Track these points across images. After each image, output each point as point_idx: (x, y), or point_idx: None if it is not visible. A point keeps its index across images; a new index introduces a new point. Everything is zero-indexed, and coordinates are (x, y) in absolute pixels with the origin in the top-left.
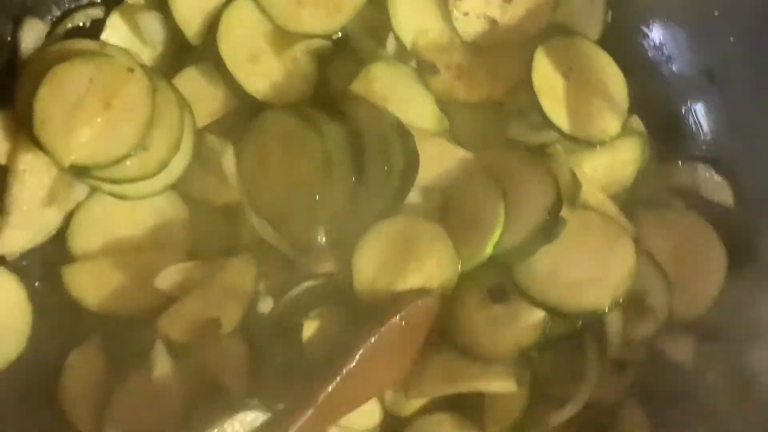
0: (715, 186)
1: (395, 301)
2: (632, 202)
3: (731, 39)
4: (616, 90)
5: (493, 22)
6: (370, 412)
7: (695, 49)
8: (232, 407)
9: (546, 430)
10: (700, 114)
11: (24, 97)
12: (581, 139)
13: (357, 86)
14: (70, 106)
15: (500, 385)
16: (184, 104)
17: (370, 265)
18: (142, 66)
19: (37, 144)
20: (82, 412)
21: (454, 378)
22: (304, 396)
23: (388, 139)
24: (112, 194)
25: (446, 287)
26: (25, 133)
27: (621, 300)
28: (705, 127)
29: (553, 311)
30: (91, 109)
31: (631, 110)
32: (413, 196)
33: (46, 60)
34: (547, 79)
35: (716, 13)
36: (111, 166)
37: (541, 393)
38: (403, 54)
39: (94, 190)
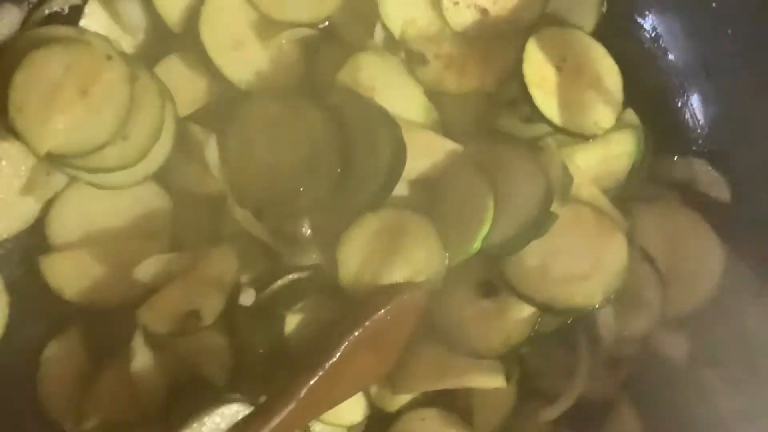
0: (711, 180)
1: (381, 294)
2: (626, 196)
3: (728, 31)
4: (611, 82)
5: (483, 12)
6: (356, 407)
7: (692, 40)
8: (213, 400)
9: (537, 426)
10: (696, 107)
11: None
12: (573, 132)
13: (344, 76)
14: (46, 93)
15: (489, 381)
16: (165, 93)
17: (356, 257)
18: (122, 53)
19: (12, 132)
20: (60, 403)
21: (442, 373)
22: (286, 389)
23: (374, 131)
24: (91, 184)
25: (434, 281)
26: (1, 121)
27: (613, 296)
28: (701, 120)
29: (543, 307)
30: (67, 97)
31: (626, 103)
32: (400, 189)
33: (22, 47)
34: (539, 70)
35: (713, 4)
36: (89, 155)
37: (532, 389)
38: (392, 43)
39: (73, 179)
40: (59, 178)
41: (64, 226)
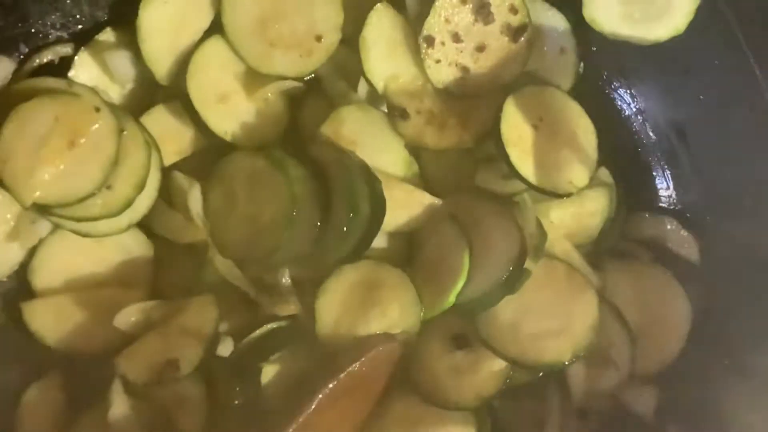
0: (682, 240)
1: (357, 346)
2: (598, 253)
3: (701, 96)
4: (586, 141)
5: (464, 70)
6: None
7: (666, 104)
8: None
9: None
10: (668, 168)
11: None
12: (548, 191)
13: (326, 129)
14: (34, 144)
15: None
16: (150, 143)
17: (333, 308)
18: (110, 105)
19: None
20: None
21: (415, 424)
22: None
23: (354, 184)
24: (76, 232)
25: (409, 333)
26: None
27: (583, 353)
28: (673, 181)
29: (514, 362)
30: (55, 148)
31: (600, 162)
32: (379, 241)
33: (11, 98)
34: (516, 129)
35: (687, 71)
36: (74, 205)
37: None
38: (375, 98)
39: (57, 226)
40: (44, 225)
41: (47, 272)
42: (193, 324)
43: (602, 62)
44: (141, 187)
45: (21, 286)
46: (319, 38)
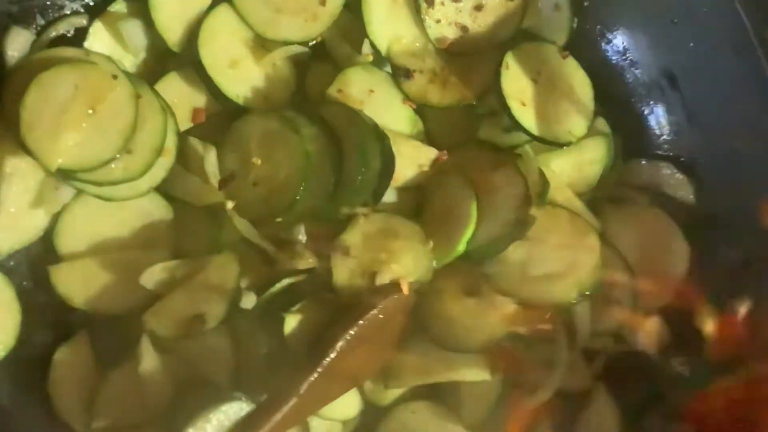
0: (677, 183)
1: (373, 295)
2: (598, 199)
3: (690, 44)
4: (583, 93)
5: (464, 29)
6: (350, 402)
7: (657, 53)
8: (217, 399)
9: (519, 415)
10: (661, 115)
11: (10, 103)
12: (549, 141)
13: (334, 90)
14: (55, 111)
15: (475, 374)
16: (166, 109)
17: (348, 261)
18: (125, 72)
19: (24, 148)
20: (72, 406)
21: (431, 369)
22: (286, 387)
23: (365, 141)
24: (98, 196)
25: (422, 282)
26: (11, 138)
27: (588, 292)
28: (666, 127)
29: (523, 303)
30: (76, 115)
31: (597, 112)
32: (390, 195)
33: (31, 68)
34: (516, 83)
35: (675, 20)
36: (96, 170)
37: (515, 381)
38: (378, 59)
39: (79, 192)
40: (67, 191)
41: (72, 237)
42: (216, 280)
43: (595, 16)
44: (159, 151)
45: (47, 250)
46: (323, 3)
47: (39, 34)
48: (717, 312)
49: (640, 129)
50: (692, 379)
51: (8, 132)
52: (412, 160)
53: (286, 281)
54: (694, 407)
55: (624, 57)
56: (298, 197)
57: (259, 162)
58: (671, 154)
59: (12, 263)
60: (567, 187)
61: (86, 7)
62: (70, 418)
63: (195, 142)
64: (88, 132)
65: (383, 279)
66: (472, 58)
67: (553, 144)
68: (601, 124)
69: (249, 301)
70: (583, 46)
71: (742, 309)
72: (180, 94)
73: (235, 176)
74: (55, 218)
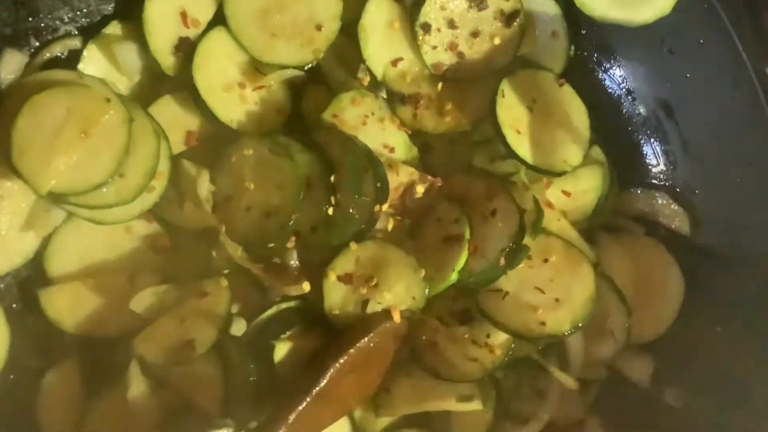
0: (673, 213)
1: (364, 323)
2: (593, 228)
3: (687, 75)
4: (579, 122)
5: (460, 55)
6: (340, 430)
7: (653, 83)
8: (205, 426)
9: None
10: (657, 144)
11: (2, 126)
12: (544, 170)
13: (328, 115)
14: (48, 135)
15: (466, 404)
16: (159, 132)
17: (340, 287)
18: (119, 95)
19: (15, 172)
20: (59, 429)
21: (422, 397)
22: (276, 415)
23: (358, 167)
24: (89, 219)
25: (414, 310)
26: (3, 161)
27: (581, 324)
28: (663, 157)
29: (516, 334)
30: (68, 138)
31: (593, 141)
32: (383, 222)
33: (24, 90)
34: (511, 110)
35: (672, 50)
36: (88, 193)
37: (507, 411)
38: (374, 84)
39: (71, 215)
40: (58, 214)
41: (62, 260)
42: (207, 306)
43: (592, 45)
44: (152, 174)
45: (37, 273)
46: (319, 27)
47: (32, 56)
48: None
49: (635, 158)
50: (685, 411)
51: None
52: (406, 186)
53: (276, 308)
54: None
55: (621, 86)
56: (291, 222)
57: (252, 186)
58: (667, 184)
59: (1, 286)
60: (561, 216)
61: (80, 29)
62: None
63: (188, 166)
64: (80, 155)
65: (375, 307)
66: (468, 84)
67: (548, 173)
68: (597, 153)
69: (239, 327)
70: (580, 75)
71: None
72: (173, 118)
73: (229, 200)
74: (46, 241)
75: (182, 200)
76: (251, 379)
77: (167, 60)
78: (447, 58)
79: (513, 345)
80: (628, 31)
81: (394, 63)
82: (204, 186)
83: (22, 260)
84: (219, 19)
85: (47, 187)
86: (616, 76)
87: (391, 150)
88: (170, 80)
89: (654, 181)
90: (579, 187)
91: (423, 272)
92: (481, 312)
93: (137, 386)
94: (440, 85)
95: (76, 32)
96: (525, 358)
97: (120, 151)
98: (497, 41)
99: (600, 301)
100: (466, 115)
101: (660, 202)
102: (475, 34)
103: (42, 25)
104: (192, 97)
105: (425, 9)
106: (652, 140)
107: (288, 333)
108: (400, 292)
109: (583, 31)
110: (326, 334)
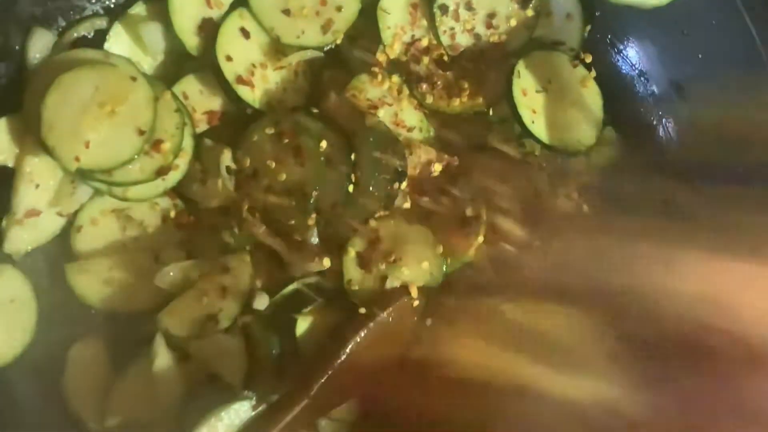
0: (683, 193)
1: (383, 298)
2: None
3: (699, 56)
4: (592, 102)
5: (477, 37)
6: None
7: (666, 65)
8: (228, 398)
9: None
10: (669, 124)
11: (32, 103)
12: (559, 149)
13: (347, 95)
14: (76, 112)
15: None
16: (183, 111)
17: (360, 264)
18: (144, 74)
19: (44, 148)
20: (85, 403)
21: None
22: (298, 387)
23: (377, 146)
24: (115, 196)
25: (431, 286)
26: (32, 137)
27: None
28: (674, 137)
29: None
30: (96, 116)
31: (606, 121)
32: (401, 200)
33: (52, 68)
34: (526, 91)
35: (685, 31)
36: (115, 170)
37: None
38: (392, 65)
39: (97, 191)
40: (84, 190)
41: (89, 236)
42: (230, 281)
43: (606, 26)
44: (176, 152)
45: (64, 249)
46: (339, 9)
47: (60, 35)
48: None
49: (648, 138)
50: None
51: (29, 132)
52: (425, 165)
53: (298, 282)
54: None
55: (634, 67)
56: (311, 200)
57: (273, 165)
58: (679, 164)
59: (30, 261)
60: (576, 196)
61: (106, 9)
62: (83, 415)
63: (211, 144)
64: (107, 133)
65: (393, 282)
66: (484, 65)
67: (562, 152)
68: (610, 133)
69: (262, 302)
70: (594, 55)
71: None
72: (197, 97)
73: (251, 178)
74: (73, 217)
75: (205, 178)
76: (273, 352)
77: (191, 40)
78: (464, 40)
79: None
80: (642, 13)
81: (412, 44)
82: (226, 164)
83: (50, 236)
84: (241, 0)
85: (76, 164)
86: (630, 58)
87: (409, 129)
88: (194, 60)
89: (665, 160)
90: (592, 166)
91: (441, 248)
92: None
93: (162, 359)
94: (457, 65)
95: (103, 12)
96: None
97: (145, 129)
98: (513, 23)
99: None
100: (482, 96)
101: (671, 181)
102: (491, 16)
103: (70, 5)
104: (215, 77)
105: None
106: (664, 120)
107: (309, 308)
108: (418, 268)
109: (598, 13)
110: (346, 308)
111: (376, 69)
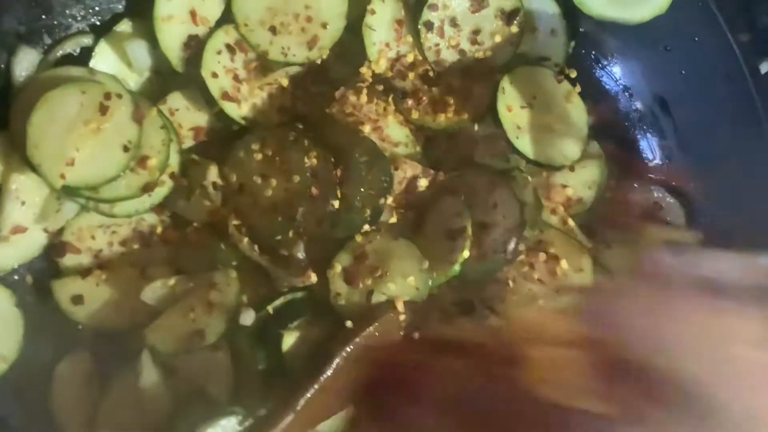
0: (669, 207)
1: (369, 313)
2: (592, 221)
3: (682, 71)
4: (577, 117)
5: (462, 53)
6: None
7: (650, 80)
8: (215, 413)
9: None
10: (653, 139)
11: (18, 121)
12: (543, 164)
13: (333, 110)
14: (61, 129)
15: None
16: (169, 127)
17: (346, 279)
18: (130, 91)
19: (30, 166)
20: (72, 420)
21: None
22: (284, 402)
23: (364, 162)
24: (101, 212)
25: (417, 301)
26: (18, 155)
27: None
28: (659, 152)
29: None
30: (81, 133)
31: (591, 136)
32: (387, 215)
33: (38, 86)
34: (512, 106)
35: (668, 47)
36: (101, 187)
37: None
38: (377, 81)
39: (83, 207)
40: (70, 207)
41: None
42: (216, 296)
43: (590, 42)
44: (162, 169)
45: (50, 265)
46: (324, 25)
47: (46, 53)
48: None
49: (632, 153)
50: None
51: (14, 149)
52: (410, 180)
53: (284, 298)
54: None
55: (618, 83)
56: (297, 216)
57: (259, 180)
58: (662, 177)
59: (15, 278)
60: (561, 210)
61: (92, 26)
62: (70, 430)
63: (197, 160)
64: (93, 150)
65: (379, 297)
66: (469, 81)
67: (547, 167)
68: (595, 147)
69: (248, 317)
70: (578, 71)
71: None
72: (183, 113)
73: (237, 194)
74: (59, 233)
75: (191, 194)
76: (260, 367)
77: (177, 57)
78: (449, 56)
79: None
80: (626, 29)
81: (398, 60)
82: (212, 180)
83: (36, 252)
84: (227, 18)
85: (61, 181)
86: (614, 73)
87: (395, 145)
88: (179, 77)
89: (650, 175)
90: (578, 181)
91: (427, 264)
92: (482, 302)
93: (149, 375)
94: (442, 81)
95: (88, 30)
96: None
97: (131, 146)
98: (498, 39)
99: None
100: (467, 111)
101: (656, 195)
102: (476, 32)
103: (55, 23)
104: (201, 93)
105: (428, 7)
106: (648, 135)
107: (295, 323)
108: (404, 283)
109: (582, 29)
110: (332, 324)
111: (362, 85)
